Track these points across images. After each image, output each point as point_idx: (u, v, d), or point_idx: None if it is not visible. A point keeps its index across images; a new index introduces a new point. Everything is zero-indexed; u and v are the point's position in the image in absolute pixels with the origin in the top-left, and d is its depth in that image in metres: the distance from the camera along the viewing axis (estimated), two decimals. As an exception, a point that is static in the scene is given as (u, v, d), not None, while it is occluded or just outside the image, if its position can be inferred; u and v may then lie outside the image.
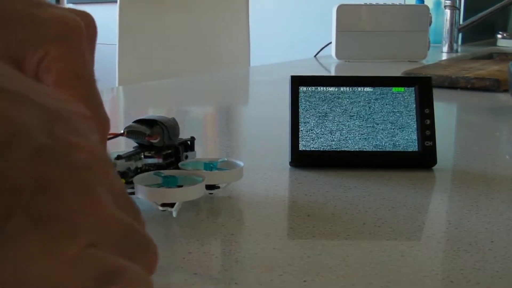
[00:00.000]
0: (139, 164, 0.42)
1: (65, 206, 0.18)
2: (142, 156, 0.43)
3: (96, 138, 0.22)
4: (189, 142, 0.47)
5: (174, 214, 0.40)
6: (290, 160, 0.52)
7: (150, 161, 0.43)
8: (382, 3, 1.56)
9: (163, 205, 0.40)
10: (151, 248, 0.22)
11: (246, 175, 0.49)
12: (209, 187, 0.43)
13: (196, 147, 0.48)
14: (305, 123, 0.53)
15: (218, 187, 0.44)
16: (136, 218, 0.23)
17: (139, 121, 0.43)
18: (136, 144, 0.44)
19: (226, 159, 0.46)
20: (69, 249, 0.18)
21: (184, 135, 0.47)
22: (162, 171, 0.42)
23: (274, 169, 0.52)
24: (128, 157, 0.41)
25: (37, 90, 0.20)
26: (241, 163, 0.44)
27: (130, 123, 0.43)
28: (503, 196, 0.45)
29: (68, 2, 3.25)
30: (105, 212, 0.19)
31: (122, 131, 0.42)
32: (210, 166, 0.44)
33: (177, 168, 0.44)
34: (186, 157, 0.46)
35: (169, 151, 0.44)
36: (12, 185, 0.17)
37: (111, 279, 0.18)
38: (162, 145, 0.43)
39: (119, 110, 0.94)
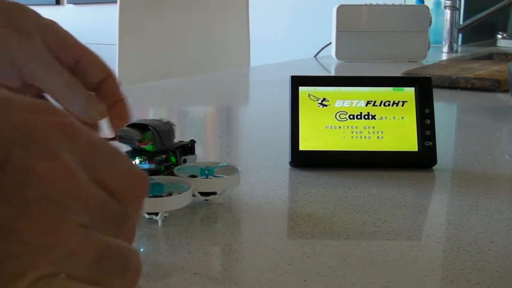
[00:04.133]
0: None
1: (17, 245, 0.18)
2: (135, 161, 0.42)
3: (80, 144, 0.20)
4: (189, 145, 0.46)
5: (159, 223, 0.39)
6: (290, 160, 0.52)
7: (142, 166, 0.42)
8: (382, 3, 1.56)
9: (149, 213, 0.39)
10: (131, 266, 0.21)
11: (246, 175, 0.49)
12: (206, 193, 0.42)
13: (196, 148, 0.47)
14: (305, 123, 0.53)
15: (215, 193, 0.42)
16: (121, 228, 0.22)
17: (132, 125, 0.41)
18: (130, 148, 0.43)
19: (226, 163, 0.44)
20: None
21: (184, 135, 0.46)
22: (151, 177, 0.40)
23: (274, 169, 0.52)
24: None
25: (11, 103, 0.20)
26: (239, 169, 0.43)
27: (124, 127, 0.41)
28: (503, 196, 0.45)
29: (68, 3, 3.25)
30: (71, 241, 0.19)
31: (115, 135, 0.41)
32: (205, 172, 0.43)
33: (172, 173, 0.43)
34: (185, 161, 0.45)
35: (164, 155, 0.43)
36: None
37: None
38: (155, 150, 0.42)
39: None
